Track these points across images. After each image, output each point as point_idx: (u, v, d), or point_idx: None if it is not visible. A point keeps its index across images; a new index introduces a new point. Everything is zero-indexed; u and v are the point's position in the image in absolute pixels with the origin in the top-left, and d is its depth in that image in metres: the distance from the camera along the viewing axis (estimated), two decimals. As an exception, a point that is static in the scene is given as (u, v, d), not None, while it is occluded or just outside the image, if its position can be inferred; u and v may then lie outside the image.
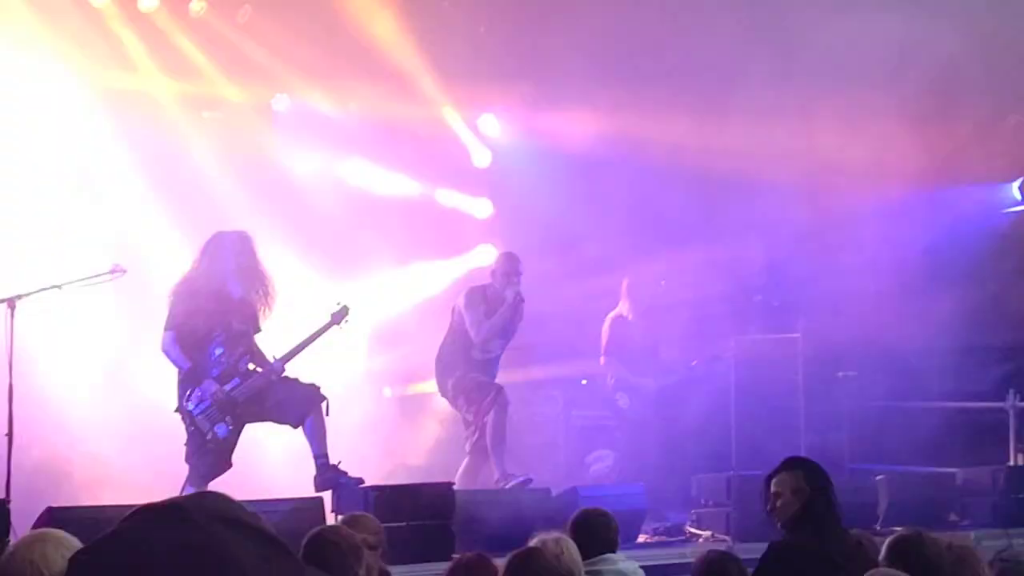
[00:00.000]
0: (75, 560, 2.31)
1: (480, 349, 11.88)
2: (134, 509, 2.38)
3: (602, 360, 13.12)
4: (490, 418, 11.62)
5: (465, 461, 11.91)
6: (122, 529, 2.30)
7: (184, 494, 2.33)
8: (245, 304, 10.13)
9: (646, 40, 13.01)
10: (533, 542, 6.15)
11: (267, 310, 10.26)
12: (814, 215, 13.50)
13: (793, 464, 7.04)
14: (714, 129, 13.53)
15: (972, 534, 10.96)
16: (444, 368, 11.98)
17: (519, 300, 11.79)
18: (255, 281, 10.15)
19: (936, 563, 6.02)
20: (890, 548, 6.12)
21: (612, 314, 13.15)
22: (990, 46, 12.56)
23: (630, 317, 13.04)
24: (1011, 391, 13.86)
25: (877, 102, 12.82)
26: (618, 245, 13.99)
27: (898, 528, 7.57)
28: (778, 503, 6.83)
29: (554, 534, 6.26)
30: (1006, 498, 12.27)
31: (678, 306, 13.38)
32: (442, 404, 12.88)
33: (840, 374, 14.30)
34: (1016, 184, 13.82)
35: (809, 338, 13.58)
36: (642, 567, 7.18)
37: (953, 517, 12.12)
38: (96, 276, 10.12)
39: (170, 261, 11.33)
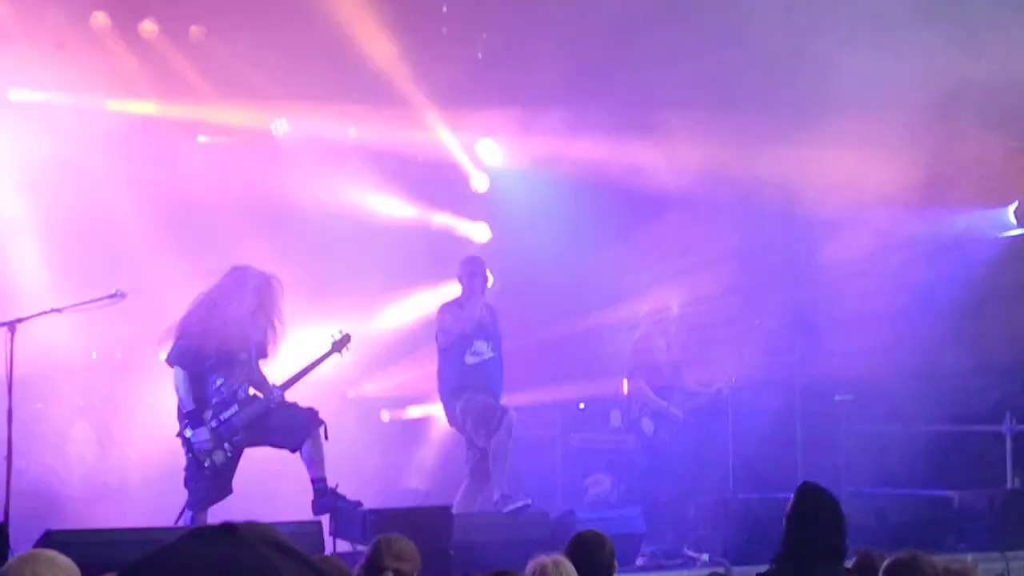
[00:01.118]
0: (126, 572, 2.36)
1: (470, 351, 11.85)
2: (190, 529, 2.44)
3: (626, 384, 13.03)
4: (496, 439, 11.61)
5: (464, 484, 11.91)
6: (174, 544, 2.35)
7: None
8: (247, 332, 10.12)
9: (642, 63, 13.04)
10: (531, 565, 6.19)
11: (272, 338, 10.26)
12: (811, 239, 13.54)
13: (798, 488, 7.13)
14: (715, 153, 13.59)
15: (969, 557, 10.99)
16: (449, 391, 11.92)
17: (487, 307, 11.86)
18: (270, 325, 10.15)
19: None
20: (887, 571, 6.15)
21: (636, 337, 13.09)
22: (988, 71, 12.62)
23: (655, 341, 12.98)
24: (1008, 414, 13.89)
25: (873, 127, 12.87)
26: (618, 270, 14.02)
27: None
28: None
29: (553, 557, 6.29)
30: (1003, 521, 12.30)
31: (690, 329, 13.38)
32: (440, 427, 12.90)
33: (837, 397, 14.33)
34: (1011, 208, 13.86)
35: (807, 361, 13.62)
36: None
37: (950, 540, 12.14)
38: (96, 300, 10.13)
39: (170, 285, 11.35)
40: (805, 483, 7.21)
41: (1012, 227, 13.92)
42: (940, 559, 6.84)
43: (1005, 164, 13.66)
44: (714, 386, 13.05)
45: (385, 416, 14.27)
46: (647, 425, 12.84)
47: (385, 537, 6.51)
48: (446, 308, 11.97)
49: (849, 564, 6.93)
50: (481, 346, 11.93)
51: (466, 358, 11.84)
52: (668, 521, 12.08)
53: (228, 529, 2.34)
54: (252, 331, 10.10)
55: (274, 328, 10.15)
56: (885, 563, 6.21)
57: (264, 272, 10.21)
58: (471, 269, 11.95)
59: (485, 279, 11.90)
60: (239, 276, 10.16)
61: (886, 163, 13.01)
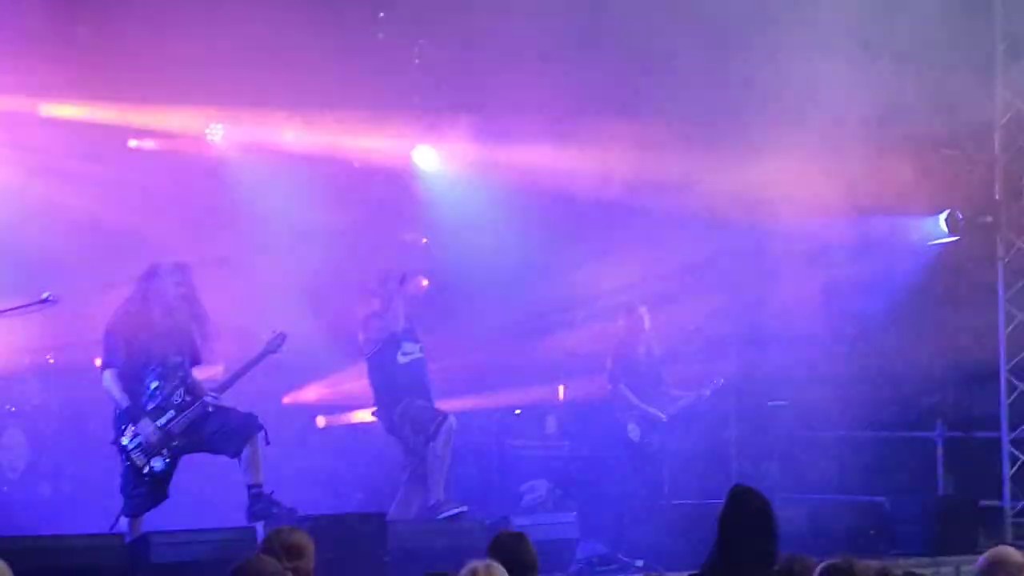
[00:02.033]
0: None
1: (401, 352, 11.85)
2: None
3: (609, 389, 13.03)
4: (435, 443, 11.60)
5: (401, 490, 11.91)
6: None
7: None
8: (182, 335, 10.09)
9: (578, 71, 13.10)
10: (464, 571, 6.18)
11: (203, 341, 10.23)
12: (747, 247, 13.62)
13: (730, 491, 7.15)
14: (651, 162, 13.65)
15: (900, 561, 11.09)
16: (385, 398, 11.93)
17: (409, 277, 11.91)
18: (191, 312, 10.12)
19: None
20: (821, 574, 6.18)
21: (616, 342, 13.10)
22: (923, 84, 12.78)
23: (633, 346, 12.99)
24: (939, 421, 14.05)
25: (810, 138, 12.98)
26: (553, 276, 14.04)
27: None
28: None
29: (485, 562, 6.30)
30: (934, 527, 12.43)
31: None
32: (376, 433, 12.86)
33: (771, 403, 14.43)
34: (942, 217, 14.01)
35: (741, 367, 13.72)
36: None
37: (882, 546, 12.24)
38: (27, 305, 10.03)
39: (101, 290, 11.25)
40: (737, 486, 7.23)
41: (943, 235, 14.06)
42: (872, 564, 6.89)
43: (936, 173, 13.81)
44: (696, 390, 13.09)
45: (321, 421, 14.21)
46: (633, 431, 12.81)
47: (275, 531, 6.51)
48: (367, 319, 12.00)
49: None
50: (409, 347, 11.95)
51: (398, 358, 11.86)
52: (604, 527, 12.10)
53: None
54: (180, 324, 10.03)
55: (198, 311, 10.11)
56: (819, 568, 6.24)
57: (171, 260, 10.17)
58: (380, 277, 11.98)
59: (401, 282, 11.92)
60: (150, 271, 10.13)
61: (821, 173, 13.12)
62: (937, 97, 12.99)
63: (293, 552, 6.21)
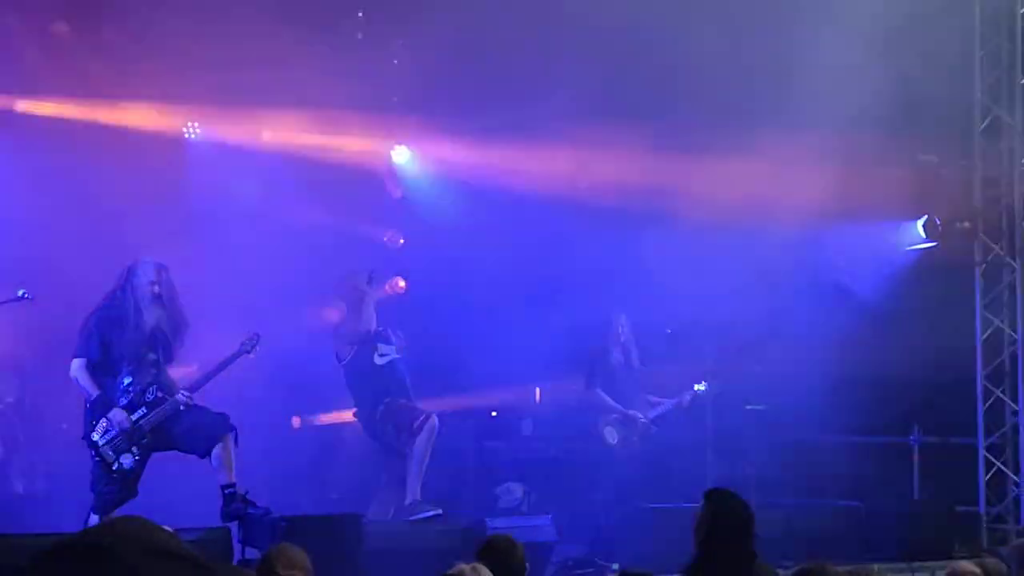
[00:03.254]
0: None
1: (377, 353, 11.83)
2: (46, 549, 2.25)
3: (586, 393, 12.98)
4: (417, 441, 11.57)
5: (380, 493, 11.90)
6: (39, 571, 2.19)
7: (101, 525, 2.19)
8: (157, 333, 10.07)
9: (554, 73, 13.09)
10: (451, 572, 6.18)
11: (179, 340, 10.21)
12: (723, 250, 13.61)
13: (706, 493, 7.16)
14: (626, 164, 13.66)
15: (875, 567, 11.10)
16: (365, 399, 11.92)
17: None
18: (168, 311, 10.09)
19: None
20: (795, 578, 6.18)
21: (592, 348, 13.06)
22: (902, 89, 12.81)
23: (610, 352, 12.95)
24: (915, 426, 14.06)
25: (788, 143, 12.99)
26: (531, 277, 14.02)
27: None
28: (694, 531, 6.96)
29: (470, 564, 6.29)
30: (909, 532, 12.44)
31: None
32: (352, 434, 12.84)
33: (748, 407, 14.43)
34: (920, 223, 14.04)
35: (718, 370, 13.71)
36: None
37: (858, 550, 12.24)
38: (2, 303, 10.00)
39: (77, 288, 11.19)
40: (714, 489, 7.24)
41: (921, 241, 14.09)
42: (844, 568, 6.90)
43: (914, 179, 13.84)
44: (676, 397, 13.08)
45: (296, 422, 14.17)
46: (610, 434, 12.78)
47: (276, 546, 6.45)
48: (336, 326, 12.00)
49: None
50: (384, 347, 11.93)
51: (375, 359, 11.83)
52: (579, 530, 12.09)
53: (97, 549, 2.18)
54: (156, 323, 10.01)
55: (175, 310, 10.09)
56: (793, 572, 6.25)
57: (150, 259, 10.15)
58: (352, 282, 12.03)
59: (368, 281, 11.91)
60: (129, 269, 10.10)
61: (799, 179, 13.14)
62: (916, 104, 13.02)
63: (288, 566, 6.16)
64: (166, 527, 2.46)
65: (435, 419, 11.75)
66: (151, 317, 10.02)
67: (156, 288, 10.04)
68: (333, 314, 12.33)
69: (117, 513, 9.75)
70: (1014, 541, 8.42)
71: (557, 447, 13.99)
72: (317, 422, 14.31)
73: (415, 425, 11.60)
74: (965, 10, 13.45)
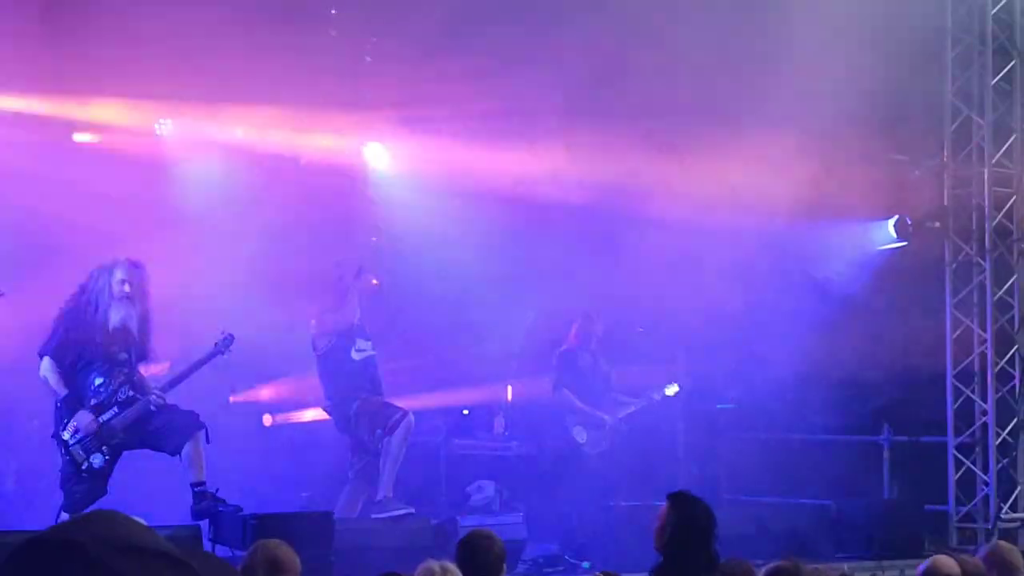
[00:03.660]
0: None
1: (355, 348, 11.80)
2: (19, 545, 2.23)
3: (554, 393, 12.97)
4: (392, 439, 11.52)
5: (347, 488, 11.86)
6: (14, 567, 2.17)
7: (76, 520, 2.17)
8: (128, 333, 10.03)
9: (532, 70, 13.10)
10: (420, 569, 6.17)
11: (150, 338, 10.18)
12: (694, 250, 13.64)
13: (669, 496, 7.18)
14: (600, 163, 13.67)
15: (845, 565, 11.13)
16: (338, 394, 11.87)
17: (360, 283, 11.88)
18: (139, 310, 10.05)
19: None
20: (766, 576, 6.21)
21: (563, 347, 13.04)
22: (876, 90, 12.86)
23: (579, 353, 12.93)
24: (885, 425, 14.12)
25: (758, 143, 13.03)
26: (504, 276, 14.01)
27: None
28: (656, 533, 6.98)
29: (441, 562, 6.28)
30: (879, 531, 12.50)
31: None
32: (324, 432, 12.80)
33: (719, 406, 14.47)
34: (891, 222, 14.09)
35: (689, 370, 13.74)
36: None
37: (828, 549, 12.29)
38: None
39: (49, 285, 11.14)
40: (677, 493, 7.26)
41: (892, 240, 14.14)
42: (814, 567, 6.93)
43: (885, 178, 13.89)
44: (645, 395, 13.09)
45: (267, 420, 14.14)
46: (579, 434, 12.77)
47: (263, 543, 6.39)
48: (321, 313, 11.93)
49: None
50: (363, 343, 11.90)
51: (352, 354, 11.79)
52: (550, 528, 12.10)
53: (69, 545, 2.16)
54: (126, 322, 9.97)
55: (145, 309, 10.06)
56: (765, 570, 6.27)
57: (120, 258, 10.11)
58: (339, 272, 11.92)
59: (356, 275, 11.88)
60: (99, 267, 10.08)
61: (770, 178, 13.17)
62: (887, 103, 13.08)
63: (275, 566, 6.10)
64: (142, 520, 2.44)
65: (411, 417, 11.72)
66: (120, 316, 9.98)
67: (126, 287, 9.99)
68: (316, 302, 12.23)
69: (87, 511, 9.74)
70: (989, 544, 8.43)
71: (529, 445, 14.00)
72: (289, 420, 14.27)
73: (390, 423, 11.56)
74: (937, 12, 13.51)
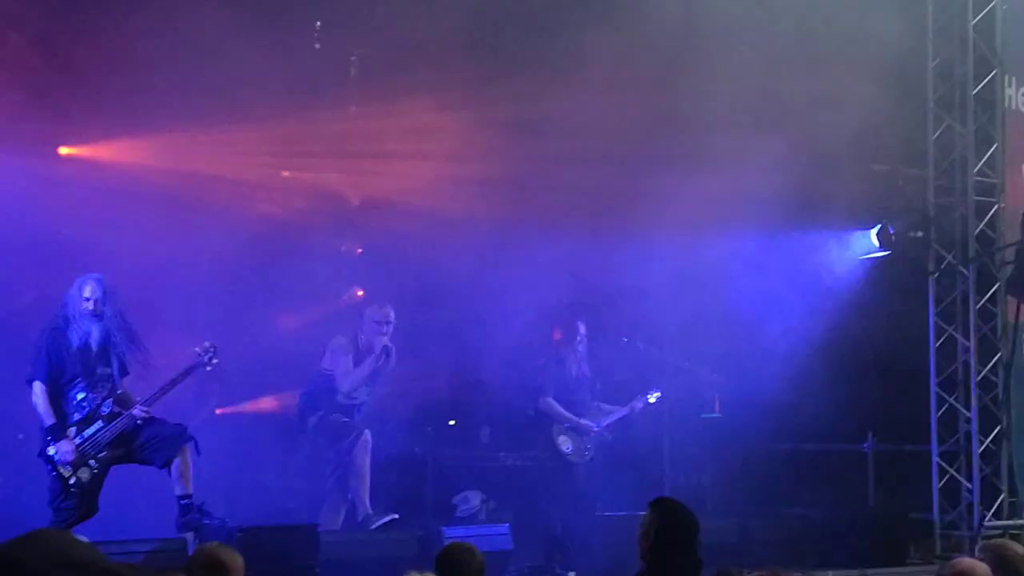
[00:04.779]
0: None
1: (348, 396, 11.95)
2: None
3: (538, 402, 12.98)
4: (354, 458, 11.67)
5: (328, 500, 11.91)
6: None
7: (21, 538, 2.19)
8: (107, 348, 10.03)
9: (524, 69, 13.15)
10: (404, 581, 6.18)
11: (131, 352, 10.18)
12: (676, 258, 13.68)
13: (651, 503, 7.20)
14: (586, 173, 13.71)
15: (830, 573, 11.18)
16: (307, 404, 12.05)
17: (387, 351, 11.92)
18: (109, 325, 10.05)
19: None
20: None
21: (547, 357, 13.04)
22: (857, 98, 12.91)
23: (563, 361, 12.95)
24: (869, 434, 14.16)
25: (740, 152, 13.07)
26: (491, 284, 14.02)
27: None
28: (639, 540, 6.99)
29: (423, 573, 6.29)
30: (864, 539, 12.53)
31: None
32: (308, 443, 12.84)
33: (703, 415, 14.49)
34: (874, 232, 14.14)
35: (673, 380, 13.77)
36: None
37: (812, 558, 12.32)
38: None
39: (31, 300, 11.17)
40: (660, 498, 7.28)
41: (875, 249, 14.20)
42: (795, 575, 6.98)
43: (868, 188, 13.95)
44: (629, 404, 13.11)
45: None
46: (563, 443, 12.77)
47: (204, 546, 6.37)
48: (343, 346, 12.11)
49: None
50: (360, 392, 12.07)
51: (339, 397, 12.00)
52: (537, 538, 12.12)
53: (10, 563, 2.18)
54: (106, 337, 9.98)
55: (123, 323, 10.06)
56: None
57: (92, 275, 10.12)
58: (377, 317, 12.10)
59: (389, 329, 12.04)
60: (74, 285, 10.07)
61: (752, 187, 13.21)
62: (870, 113, 13.13)
63: (216, 569, 6.07)
64: (84, 539, 2.45)
65: (367, 435, 11.83)
66: (95, 332, 9.97)
67: (94, 304, 9.97)
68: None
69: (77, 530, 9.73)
70: (986, 543, 8.46)
71: (514, 455, 14.01)
72: (275, 432, 14.25)
73: (347, 441, 11.74)
74: (917, 22, 13.59)
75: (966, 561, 7.00)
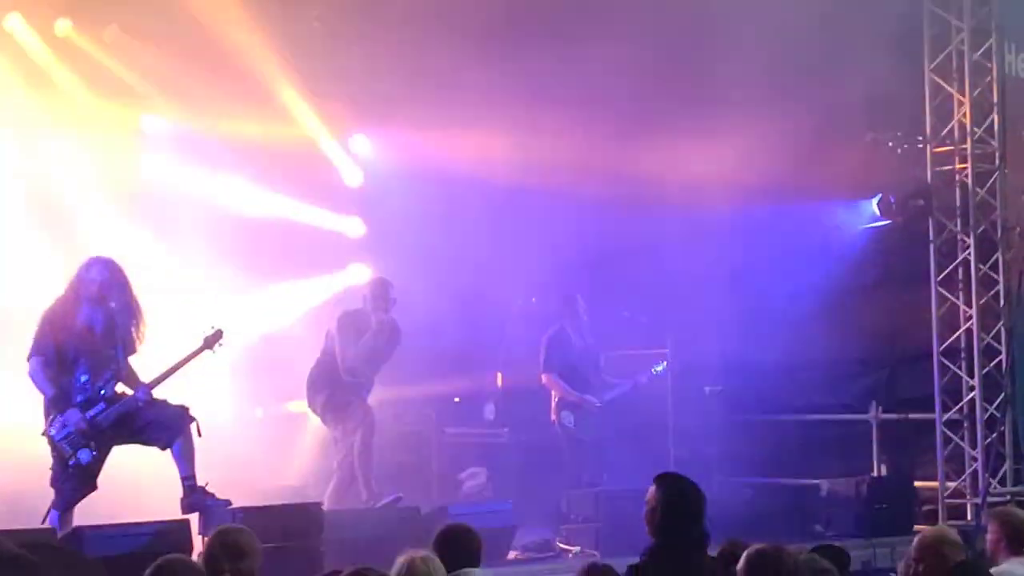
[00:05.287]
0: None
1: (349, 373, 11.94)
2: None
3: (542, 377, 13.02)
4: (357, 438, 11.71)
5: (334, 479, 11.95)
6: None
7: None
8: (114, 328, 10.05)
9: (509, 58, 13.13)
10: (401, 560, 6.18)
11: (138, 334, 10.20)
12: (679, 232, 13.69)
13: (656, 478, 7.21)
14: (585, 147, 13.72)
15: (836, 544, 11.16)
16: (313, 386, 12.10)
17: (390, 326, 11.93)
18: (124, 306, 10.07)
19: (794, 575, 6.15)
20: (748, 561, 6.24)
21: (551, 331, 13.07)
22: (854, 69, 12.90)
23: (566, 335, 12.97)
24: (873, 403, 14.16)
25: (741, 122, 13.06)
26: (491, 264, 14.04)
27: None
28: (646, 517, 7.01)
29: (421, 553, 6.29)
30: (869, 508, 12.55)
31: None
32: (313, 424, 12.88)
33: (707, 388, 14.51)
34: (874, 201, 14.12)
35: (677, 353, 13.78)
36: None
37: (818, 527, 12.35)
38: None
39: (39, 285, 11.19)
40: (665, 474, 7.29)
41: (875, 219, 14.18)
42: (798, 547, 7.00)
43: (868, 157, 13.92)
44: (632, 377, 13.13)
45: (259, 412, 14.16)
46: (567, 418, 12.81)
47: (223, 528, 6.39)
48: (344, 324, 12.11)
49: (714, 553, 7.01)
50: (364, 370, 12.11)
51: (344, 376, 12.02)
52: (542, 514, 12.14)
53: None
54: (112, 318, 10.01)
55: (130, 304, 10.08)
56: (746, 554, 6.30)
57: (102, 256, 10.14)
58: (377, 293, 12.15)
59: (389, 306, 12.07)
60: (83, 266, 10.10)
61: (753, 157, 13.21)
62: (869, 82, 13.10)
63: (235, 553, 6.11)
64: None
65: (373, 415, 11.89)
66: (101, 314, 9.99)
67: (103, 285, 9.99)
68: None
69: (77, 508, 9.78)
70: (992, 511, 8.49)
71: (519, 431, 14.05)
72: (280, 411, 14.30)
73: (353, 421, 11.78)
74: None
75: (933, 529, 7.07)
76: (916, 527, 12.40)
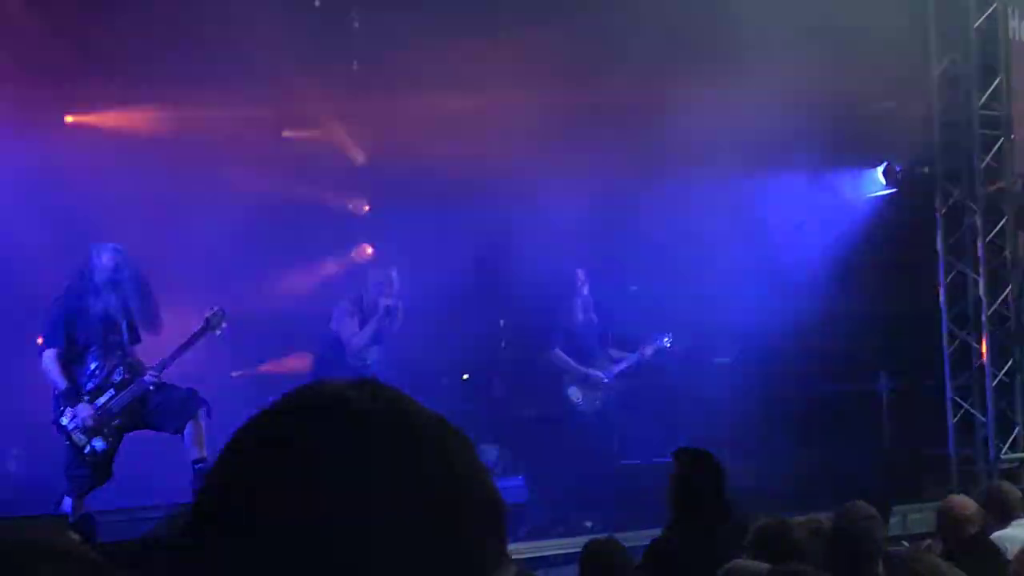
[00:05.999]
0: None
1: (355, 357, 11.97)
2: None
3: (547, 354, 13.03)
4: None
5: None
6: None
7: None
8: (122, 314, 10.07)
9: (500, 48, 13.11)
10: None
11: (145, 320, 10.22)
12: (684, 202, 13.65)
13: (674, 453, 7.25)
14: (586, 117, 13.68)
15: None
16: (319, 367, 12.12)
17: (393, 310, 11.94)
18: (125, 293, 10.08)
19: (801, 548, 6.18)
20: (755, 534, 6.26)
21: (553, 306, 13.06)
22: (857, 36, 12.85)
23: (570, 310, 12.97)
24: (882, 374, 14.16)
25: (743, 89, 13.01)
26: (491, 238, 14.00)
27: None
28: (667, 492, 7.05)
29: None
30: (880, 477, 12.57)
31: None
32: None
33: (716, 360, 14.50)
34: (880, 169, 14.09)
35: (685, 325, 13.76)
36: (526, 558, 7.25)
37: (827, 498, 12.33)
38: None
39: (45, 273, 11.18)
40: (682, 449, 7.31)
41: (881, 188, 14.16)
42: (807, 517, 7.01)
43: (873, 125, 13.88)
44: (638, 350, 13.13)
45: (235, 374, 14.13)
46: (574, 393, 12.82)
47: None
48: (349, 309, 12.18)
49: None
50: (369, 352, 12.10)
51: (350, 360, 12.04)
52: (553, 489, 12.15)
53: None
54: (119, 305, 10.02)
55: (138, 291, 10.09)
56: (753, 528, 6.32)
57: (109, 243, 10.14)
58: (380, 278, 12.20)
59: (392, 290, 12.05)
60: (92, 251, 10.14)
61: (757, 125, 13.15)
62: (872, 49, 13.05)
63: None
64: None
65: None
66: (111, 300, 10.01)
67: (113, 272, 10.01)
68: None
69: (91, 496, 9.82)
70: (988, 486, 8.54)
71: (528, 407, 14.05)
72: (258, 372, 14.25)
73: None
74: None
75: (957, 499, 7.09)
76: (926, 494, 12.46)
